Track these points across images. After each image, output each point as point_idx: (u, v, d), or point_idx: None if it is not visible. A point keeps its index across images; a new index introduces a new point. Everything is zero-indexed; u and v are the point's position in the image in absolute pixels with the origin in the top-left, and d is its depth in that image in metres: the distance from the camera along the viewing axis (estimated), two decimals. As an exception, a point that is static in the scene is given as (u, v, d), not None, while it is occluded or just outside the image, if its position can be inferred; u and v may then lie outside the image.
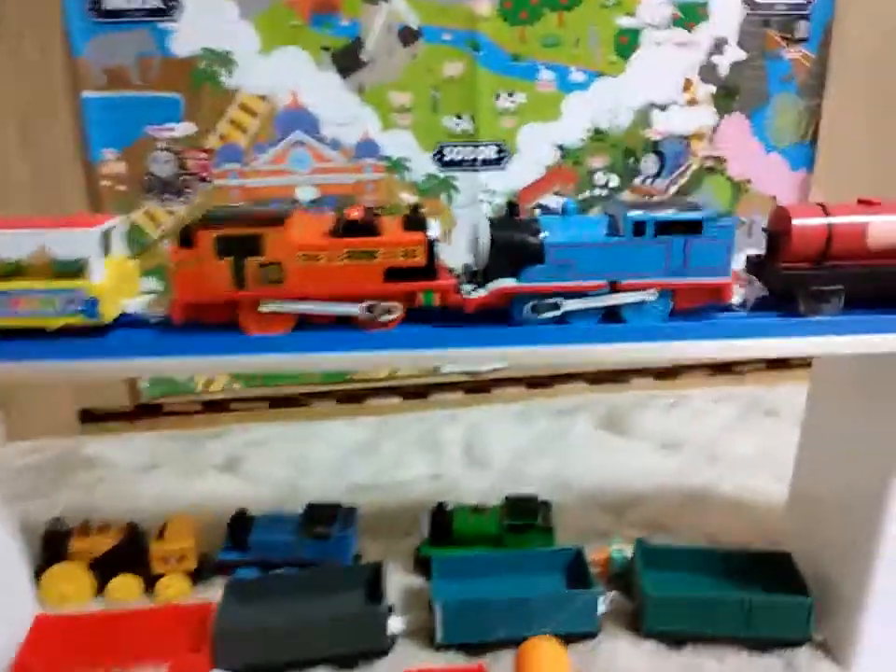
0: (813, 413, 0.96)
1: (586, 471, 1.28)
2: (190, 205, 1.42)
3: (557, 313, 0.76)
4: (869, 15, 1.54)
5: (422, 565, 1.01)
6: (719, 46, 1.50)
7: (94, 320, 0.76)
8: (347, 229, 0.75)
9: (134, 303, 0.81)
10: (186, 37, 1.33)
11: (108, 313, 0.76)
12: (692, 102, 1.53)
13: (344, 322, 0.78)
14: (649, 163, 1.56)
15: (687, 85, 1.51)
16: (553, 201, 1.55)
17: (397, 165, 1.47)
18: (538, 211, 1.52)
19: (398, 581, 1.01)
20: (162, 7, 1.32)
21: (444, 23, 1.39)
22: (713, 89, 1.52)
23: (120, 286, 0.80)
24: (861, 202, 0.81)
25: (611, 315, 0.78)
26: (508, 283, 0.76)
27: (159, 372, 0.83)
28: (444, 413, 1.47)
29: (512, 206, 0.80)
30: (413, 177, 1.48)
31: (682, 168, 1.57)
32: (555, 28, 1.43)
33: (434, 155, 1.47)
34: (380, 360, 0.82)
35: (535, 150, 1.50)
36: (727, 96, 1.53)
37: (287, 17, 1.35)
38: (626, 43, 1.46)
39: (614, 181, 1.55)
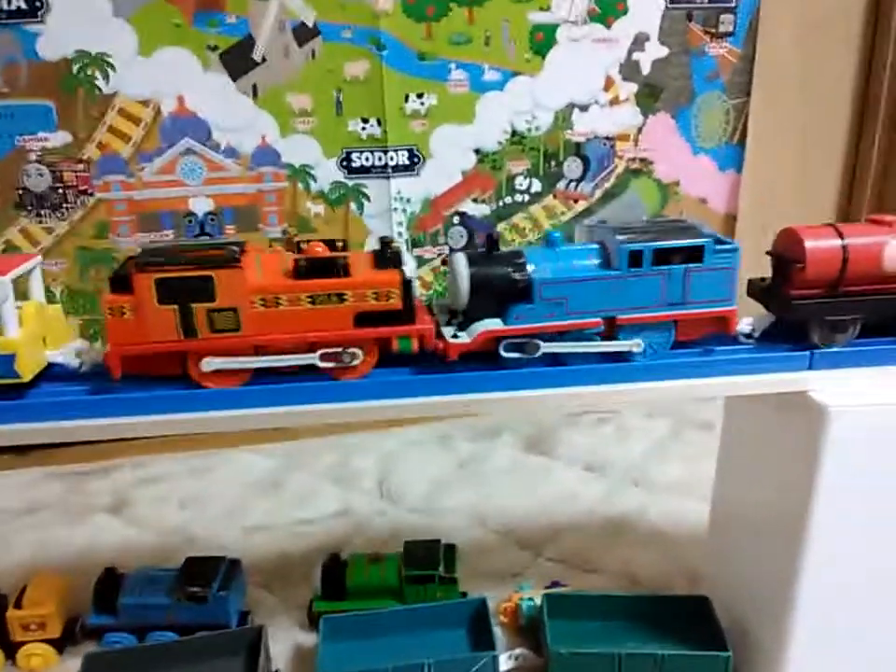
0: (727, 442, 0.89)
1: (505, 502, 1.19)
2: (71, 220, 1.30)
3: (536, 354, 0.69)
4: (795, 7, 1.47)
5: (316, 621, 0.91)
6: (640, 42, 1.42)
7: (11, 379, 0.65)
8: (311, 269, 0.66)
9: (62, 353, 0.71)
10: (55, 40, 1.21)
11: (28, 369, 0.66)
12: (614, 101, 1.45)
13: (309, 368, 0.69)
14: (572, 167, 1.48)
15: (608, 84, 1.43)
16: (471, 207, 1.46)
17: (300, 173, 1.36)
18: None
19: (290, 640, 0.92)
20: (26, 7, 1.19)
21: (343, 20, 1.29)
22: (635, 87, 1.44)
23: (42, 336, 0.70)
24: (871, 220, 0.74)
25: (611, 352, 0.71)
26: (493, 325, 0.68)
27: (93, 436, 0.71)
28: (359, 438, 1.37)
29: (492, 239, 0.71)
30: (319, 186, 1.37)
31: (607, 171, 1.49)
32: (465, 25, 1.34)
33: (340, 161, 1.36)
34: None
35: (450, 155, 1.41)
36: (651, 95, 1.46)
37: (168, 14, 1.23)
38: (542, 40, 1.38)
39: (536, 186, 1.47)
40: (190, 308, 0.65)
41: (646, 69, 1.43)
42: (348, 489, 1.25)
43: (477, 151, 1.42)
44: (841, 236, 0.71)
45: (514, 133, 1.42)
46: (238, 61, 1.27)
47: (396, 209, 1.41)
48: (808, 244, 0.70)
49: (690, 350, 0.73)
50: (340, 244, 0.71)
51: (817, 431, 0.68)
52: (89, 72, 1.23)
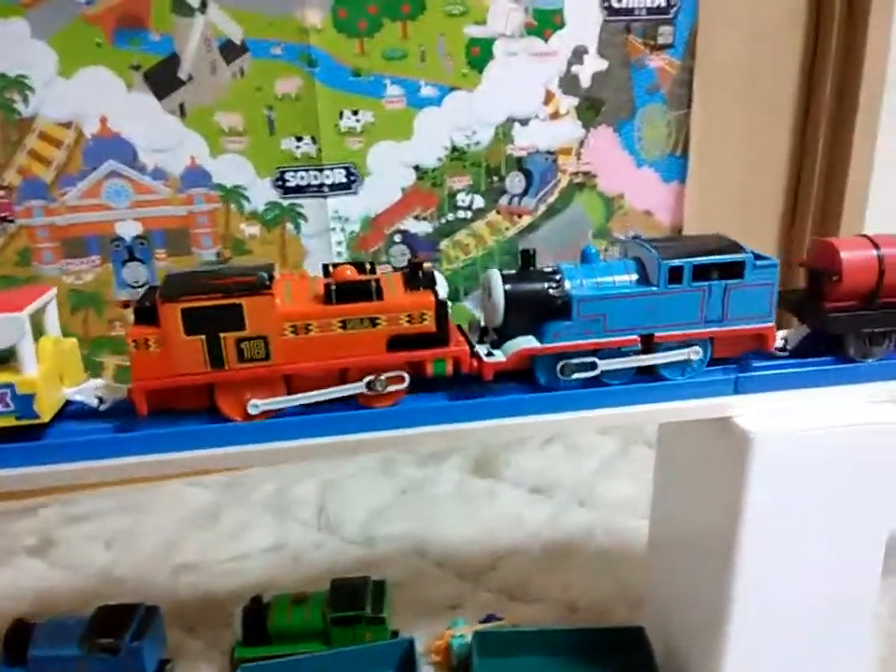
0: (661, 465, 0.86)
1: (447, 530, 1.16)
2: (-8, 249, 1.24)
3: (594, 373, 0.67)
4: (734, 18, 1.47)
5: (238, 668, 0.87)
6: (578, 55, 1.40)
7: (31, 419, 0.62)
8: (342, 293, 0.63)
9: (80, 391, 0.67)
10: (-32, 62, 1.16)
11: (47, 409, 0.63)
12: (554, 115, 1.43)
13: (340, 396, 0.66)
14: (514, 182, 1.45)
15: (548, 98, 1.41)
16: (413, 225, 1.43)
17: (232, 194, 1.32)
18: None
19: (214, 687, 0.87)
20: (-61, 30, 1.14)
21: (272, 36, 1.25)
22: (576, 101, 1.42)
23: (60, 373, 0.67)
24: None
25: (646, 369, 0.69)
26: (530, 344, 0.66)
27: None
28: (300, 466, 1.33)
29: (527, 256, 0.69)
30: (253, 207, 1.33)
31: (551, 185, 1.47)
32: (399, 40, 1.31)
33: (274, 181, 1.32)
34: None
35: (388, 172, 1.38)
36: (591, 108, 1.44)
37: (89, 34, 1.19)
38: (479, 54, 1.35)
39: (479, 202, 1.44)
40: (219, 338, 0.62)
41: (586, 82, 1.42)
42: (286, 521, 1.20)
43: (416, 168, 1.39)
44: (876, 247, 0.70)
45: (454, 148, 1.39)
46: (163, 80, 1.23)
47: (334, 229, 1.38)
48: (844, 255, 0.70)
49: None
50: (368, 266, 0.68)
51: (741, 457, 0.66)
52: (7, 95, 1.18)
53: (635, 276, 0.68)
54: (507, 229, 1.48)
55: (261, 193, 1.33)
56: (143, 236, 1.30)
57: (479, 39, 1.34)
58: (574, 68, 1.41)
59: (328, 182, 1.34)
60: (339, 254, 1.39)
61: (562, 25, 1.37)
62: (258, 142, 1.30)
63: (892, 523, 0.70)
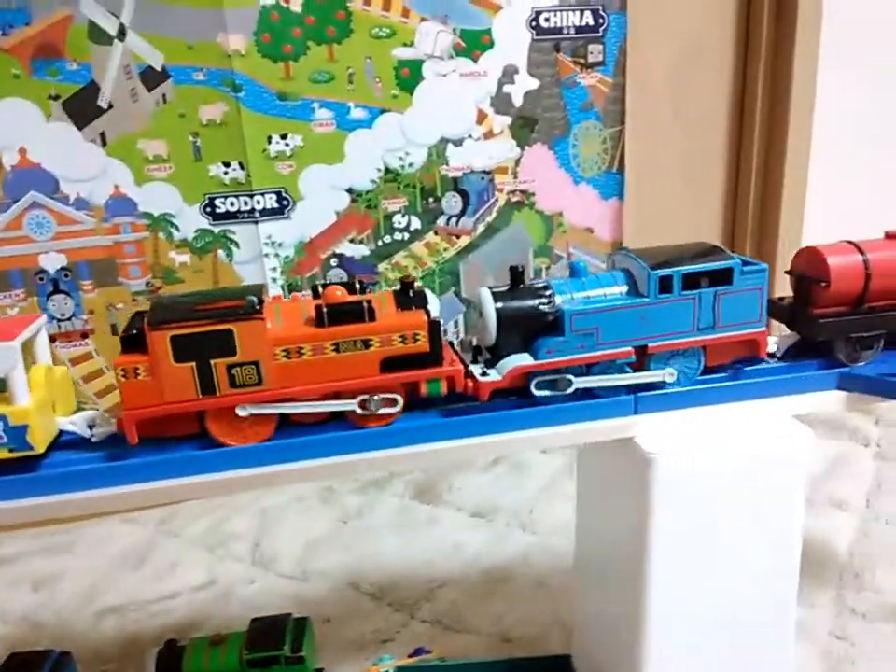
0: (580, 486, 0.84)
1: (385, 559, 1.13)
2: None
3: (567, 392, 0.67)
4: (663, 34, 1.48)
5: (157, 714, 0.83)
6: (509, 74, 1.40)
7: (24, 451, 0.61)
8: (334, 315, 0.63)
9: (72, 421, 0.66)
10: None
11: (41, 440, 0.62)
12: (488, 135, 1.42)
13: (332, 419, 0.66)
14: (451, 202, 1.44)
15: (481, 117, 1.41)
16: (349, 248, 1.41)
17: (160, 222, 1.29)
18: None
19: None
20: None
21: (194, 62, 1.24)
22: (509, 120, 1.42)
23: (52, 402, 0.65)
24: (889, 235, 0.75)
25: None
26: (525, 361, 0.66)
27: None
28: (237, 499, 1.29)
29: (516, 272, 0.69)
30: (183, 234, 1.31)
31: (488, 205, 1.47)
32: (325, 63, 1.30)
33: (203, 208, 1.30)
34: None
35: (321, 196, 1.36)
36: (525, 127, 1.44)
37: (6, 65, 1.16)
38: (408, 76, 1.35)
39: (416, 223, 1.43)
40: (209, 364, 0.61)
41: (518, 101, 1.42)
42: (219, 557, 1.17)
43: (350, 191, 1.37)
44: (861, 252, 0.71)
45: (388, 170, 1.38)
46: (83, 109, 1.21)
47: (267, 255, 1.36)
48: (831, 261, 0.71)
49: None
50: (358, 285, 0.68)
51: (643, 478, 0.64)
52: (-81, 128, 1.15)
53: (624, 288, 0.68)
54: (445, 249, 1.47)
55: (190, 220, 1.30)
56: (67, 268, 1.27)
57: (407, 61, 1.34)
58: (506, 87, 1.41)
59: (258, 207, 1.32)
60: (274, 280, 1.37)
61: (490, 45, 1.37)
62: (184, 169, 1.28)
63: (798, 539, 0.69)
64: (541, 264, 1.54)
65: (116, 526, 1.27)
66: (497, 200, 1.47)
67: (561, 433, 0.67)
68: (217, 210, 1.31)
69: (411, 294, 0.66)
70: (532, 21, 1.38)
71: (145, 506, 0.69)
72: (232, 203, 1.32)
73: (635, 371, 0.68)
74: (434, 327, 0.64)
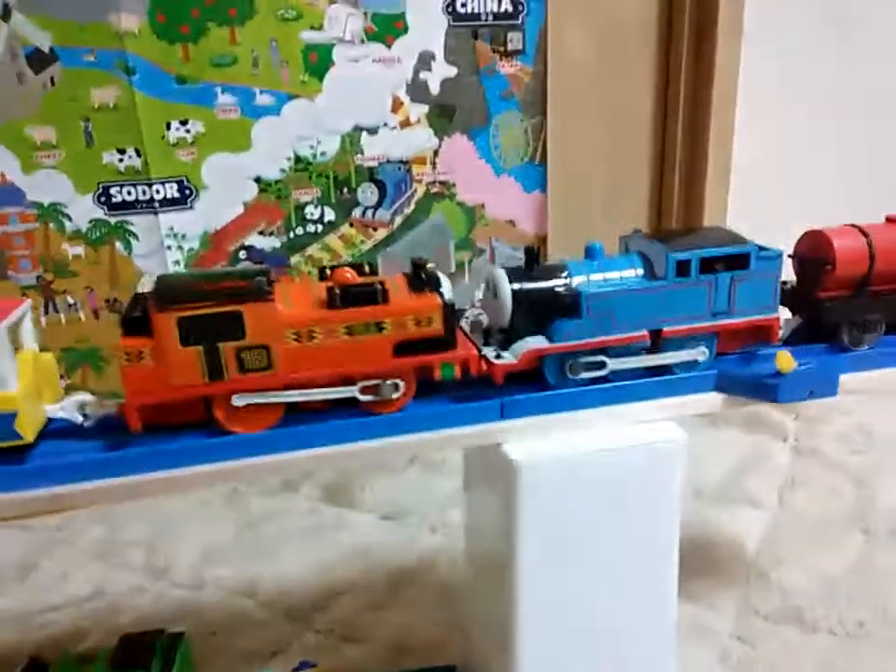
0: (465, 491, 0.81)
1: (286, 565, 1.08)
2: None
3: (602, 372, 0.66)
4: (584, 21, 1.45)
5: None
6: (425, 61, 1.35)
7: (12, 441, 0.58)
8: (347, 297, 0.60)
9: (62, 407, 0.63)
10: None
11: (30, 428, 0.59)
12: (405, 123, 1.38)
13: (341, 404, 0.63)
14: (367, 193, 1.39)
15: (396, 105, 1.36)
16: (259, 241, 1.35)
17: (50, 212, 1.22)
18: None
19: None
20: None
21: (84, 43, 1.16)
22: (426, 108, 1.38)
23: (40, 389, 0.62)
24: (889, 220, 0.75)
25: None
26: (540, 343, 0.64)
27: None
28: (135, 506, 1.23)
29: (531, 252, 0.67)
30: (76, 225, 1.24)
31: (406, 196, 1.42)
32: (227, 45, 1.23)
33: (97, 197, 1.23)
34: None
35: (227, 185, 1.30)
36: (443, 116, 1.39)
37: None
38: (317, 61, 1.29)
39: (329, 215, 1.38)
40: (217, 348, 0.58)
41: (435, 89, 1.37)
42: (112, 565, 1.11)
43: (258, 180, 1.31)
44: (865, 235, 0.72)
45: (298, 159, 1.32)
46: (-39, 91, 1.13)
47: (170, 247, 1.29)
48: (837, 243, 0.71)
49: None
50: (367, 267, 0.65)
51: (509, 485, 0.61)
52: None
53: (640, 271, 0.67)
54: (362, 242, 1.42)
55: (84, 211, 1.23)
56: (-51, 261, 1.19)
57: (316, 45, 1.28)
58: (422, 75, 1.36)
59: (158, 197, 1.26)
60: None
61: (405, 31, 1.32)
62: (74, 156, 1.20)
63: (675, 543, 0.66)
64: (463, 257, 1.50)
65: (8, 534, 1.19)
66: (415, 191, 1.42)
67: (428, 440, 0.63)
68: (113, 200, 1.24)
69: (423, 276, 0.63)
70: (448, 6, 1.34)
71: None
72: (129, 193, 1.25)
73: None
74: (448, 309, 0.62)
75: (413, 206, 1.43)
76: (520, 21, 1.39)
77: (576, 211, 1.52)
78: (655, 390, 0.67)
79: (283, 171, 1.32)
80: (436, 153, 1.41)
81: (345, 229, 1.40)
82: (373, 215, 1.41)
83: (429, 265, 0.64)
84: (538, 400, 0.64)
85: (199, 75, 1.23)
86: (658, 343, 0.67)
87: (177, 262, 1.30)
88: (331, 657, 0.89)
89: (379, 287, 0.61)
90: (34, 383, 0.61)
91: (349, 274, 0.62)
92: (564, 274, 0.66)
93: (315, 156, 1.33)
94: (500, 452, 0.61)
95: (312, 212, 1.36)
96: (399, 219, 1.43)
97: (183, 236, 1.29)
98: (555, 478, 0.60)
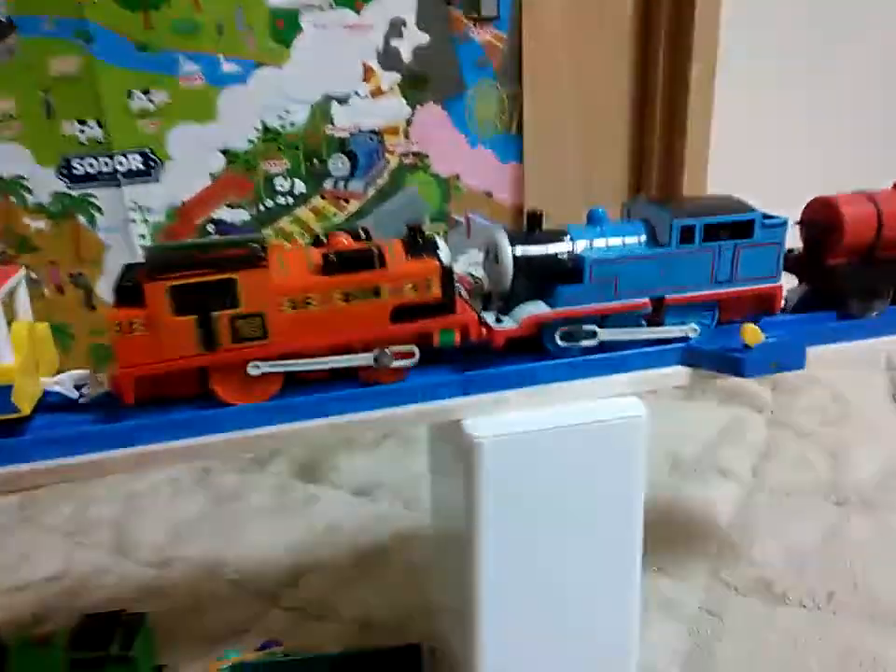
0: (431, 468, 0.79)
1: (256, 542, 1.06)
2: None
3: (593, 342, 0.65)
4: (562, -11, 1.41)
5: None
6: (396, 28, 1.32)
7: (9, 414, 0.56)
8: (342, 262, 0.59)
9: (58, 381, 0.61)
10: None
11: (27, 401, 0.57)
12: (376, 92, 1.34)
13: (341, 374, 0.62)
14: (338, 164, 1.36)
15: (367, 74, 1.33)
16: (228, 214, 1.32)
17: (11, 186, 1.19)
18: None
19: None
20: None
21: (42, 11, 1.12)
22: (398, 77, 1.34)
23: (36, 361, 0.61)
24: None
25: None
26: (541, 309, 0.63)
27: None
28: (104, 483, 1.21)
29: (534, 217, 0.66)
30: (37, 199, 1.21)
31: (379, 167, 1.39)
32: (190, 11, 1.20)
33: (59, 170, 1.20)
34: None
35: (193, 157, 1.27)
36: (416, 85, 1.36)
37: None
38: (284, 27, 1.25)
39: (300, 187, 1.35)
40: (211, 317, 0.57)
41: (407, 57, 1.34)
42: (77, 544, 1.09)
43: (225, 152, 1.28)
44: (874, 202, 0.71)
45: (267, 129, 1.29)
46: (-89, 58, 1.09)
47: (134, 220, 1.26)
48: (845, 209, 0.70)
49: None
50: (363, 233, 0.63)
51: (469, 462, 0.59)
52: None
53: (644, 237, 0.66)
54: (334, 214, 1.39)
55: (45, 183, 1.20)
56: None
57: (282, 10, 1.24)
58: (393, 42, 1.32)
59: (121, 169, 1.23)
60: (143, 248, 1.28)
61: (375, -5, 1.29)
62: (34, 127, 1.17)
63: (639, 516, 0.65)
64: (439, 229, 1.47)
65: (-29, 514, 1.18)
66: (388, 162, 1.39)
67: (390, 416, 0.61)
68: (75, 172, 1.21)
69: (420, 240, 0.62)
70: (419, -31, 1.30)
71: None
72: (92, 165, 1.21)
73: (649, 324, 0.66)
74: (447, 273, 0.60)
75: (386, 178, 1.40)
76: (494, -14, 1.36)
77: (553, 181, 1.49)
78: (620, 365, 0.65)
79: (251, 142, 1.29)
80: (409, 123, 1.38)
81: (317, 201, 1.37)
82: (345, 186, 1.38)
83: (426, 229, 0.63)
84: (499, 376, 0.63)
85: (161, 42, 1.19)
86: (660, 311, 0.66)
87: (143, 236, 1.27)
88: (298, 635, 0.88)
89: (376, 251, 0.59)
90: (30, 355, 0.59)
91: (345, 240, 0.61)
92: (566, 239, 0.65)
93: (284, 126, 1.30)
94: (461, 428, 0.60)
95: (282, 184, 1.33)
96: (371, 191, 1.40)
97: (148, 209, 1.26)
98: (515, 455, 0.59)
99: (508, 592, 0.64)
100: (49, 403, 0.61)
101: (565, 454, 0.61)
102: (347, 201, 1.39)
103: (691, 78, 1.46)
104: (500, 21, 1.38)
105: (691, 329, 0.66)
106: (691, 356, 0.65)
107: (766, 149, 1.55)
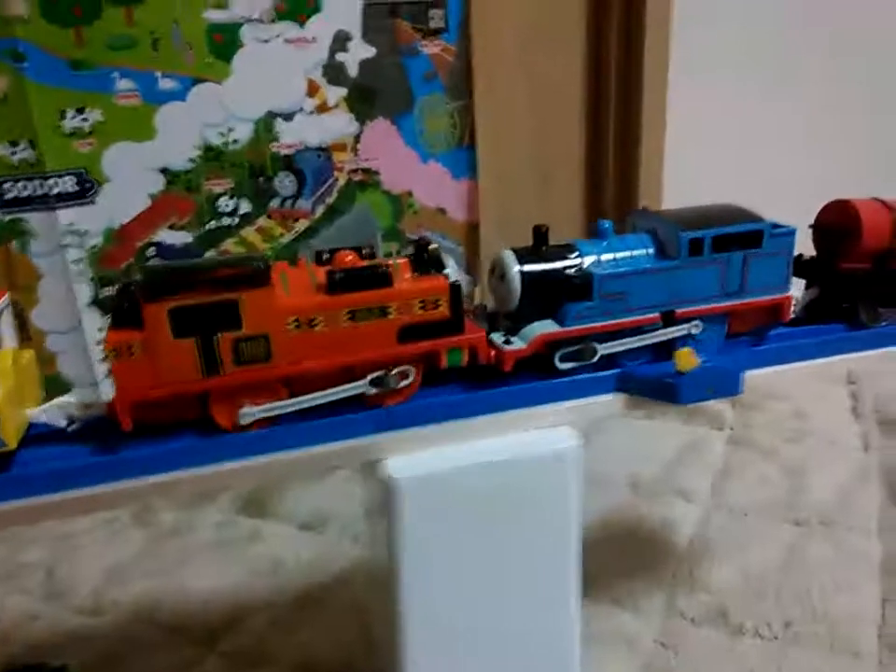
0: (366, 501, 0.75)
1: (192, 585, 1.01)
2: None
3: (594, 360, 0.63)
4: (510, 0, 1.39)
5: None
6: (341, 41, 1.28)
7: None
8: (349, 281, 0.57)
9: (44, 410, 0.58)
10: None
11: (13, 434, 0.54)
12: (322, 108, 1.30)
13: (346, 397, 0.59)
14: (285, 182, 1.32)
15: (312, 89, 1.29)
16: (169, 236, 1.27)
17: (-64, 211, 1.14)
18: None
19: None
20: None
21: (-36, 27, 1.08)
22: (345, 91, 1.31)
23: (22, 391, 0.57)
24: None
25: (663, 349, 0.65)
26: (550, 328, 0.62)
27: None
28: (36, 526, 1.15)
29: (540, 233, 0.64)
30: (-34, 224, 1.15)
31: (327, 185, 1.35)
32: (124, 27, 1.15)
33: (-12, 193, 1.15)
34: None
35: (130, 177, 1.22)
36: (363, 100, 1.32)
37: None
38: (224, 41, 1.21)
39: (245, 206, 1.30)
40: (213, 339, 0.55)
41: (353, 71, 1.30)
42: (5, 590, 1.03)
43: (165, 171, 1.24)
44: (889, 209, 0.71)
45: (208, 147, 1.25)
46: None
47: (70, 245, 1.21)
48: (863, 212, 0.70)
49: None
50: (367, 251, 0.61)
51: (389, 501, 0.56)
52: None
53: (651, 250, 0.65)
54: (282, 234, 1.35)
55: (-27, 208, 1.15)
56: None
57: (222, 25, 1.21)
58: (338, 56, 1.29)
59: (55, 192, 1.17)
60: (80, 273, 1.22)
61: (317, 9, 1.25)
62: (-40, 149, 1.12)
63: (575, 550, 0.61)
64: (392, 248, 1.44)
65: None
66: (336, 179, 1.35)
67: (298, 458, 0.57)
68: (6, 196, 1.16)
69: (426, 257, 0.60)
70: (363, -18, 1.27)
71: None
72: (24, 187, 1.16)
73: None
74: (455, 291, 0.59)
75: (335, 196, 1.36)
76: (441, -2, 1.33)
77: (508, 196, 1.46)
78: (552, 394, 0.61)
79: (192, 160, 1.25)
80: (357, 139, 1.34)
81: (263, 221, 1.33)
82: (293, 205, 1.34)
83: (433, 245, 0.61)
84: (422, 409, 0.59)
85: (94, 59, 1.15)
86: (670, 325, 0.65)
87: (79, 261, 1.22)
88: (233, 683, 0.83)
89: (383, 269, 0.57)
90: (16, 384, 0.56)
91: (350, 258, 0.59)
92: (574, 255, 0.63)
93: (226, 144, 1.26)
94: (380, 467, 0.56)
95: (226, 203, 1.29)
96: (320, 210, 1.36)
97: (84, 233, 1.21)
98: (437, 493, 0.56)
99: (436, 631, 0.60)
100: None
101: (492, 489, 0.57)
102: (296, 220, 1.35)
103: (644, 82, 1.44)
104: (449, 34, 1.35)
105: (693, 326, 0.65)
106: (626, 382, 0.62)
107: (722, 150, 1.53)
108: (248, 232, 1.32)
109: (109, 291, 1.25)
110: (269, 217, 1.33)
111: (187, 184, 1.25)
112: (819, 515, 1.06)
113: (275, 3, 1.22)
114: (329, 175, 1.35)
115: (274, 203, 1.32)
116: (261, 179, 1.30)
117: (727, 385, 0.61)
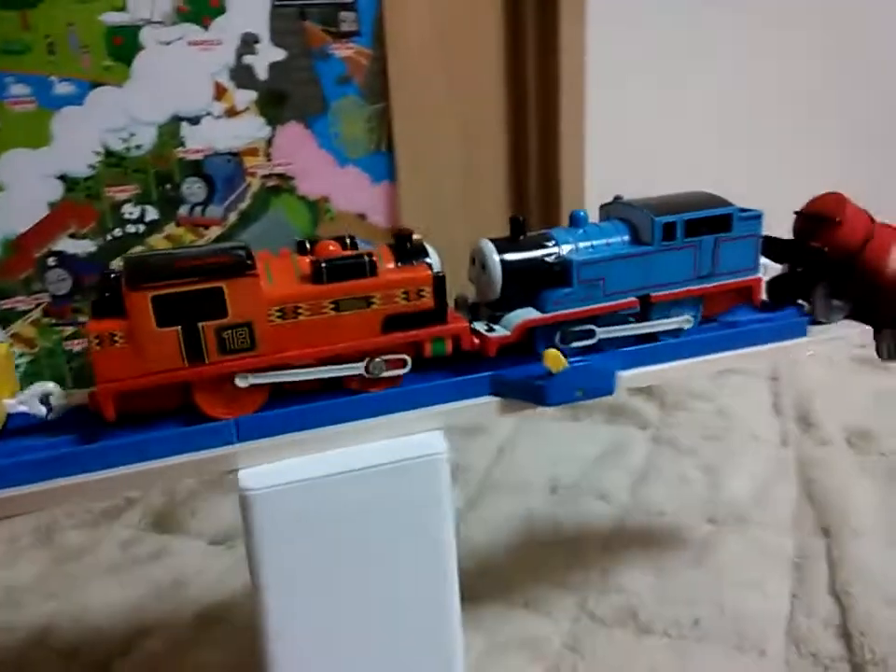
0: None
1: (90, 606, 0.96)
2: None
3: (592, 341, 0.65)
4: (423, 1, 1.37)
5: None
6: (248, 44, 1.25)
7: None
8: (334, 270, 0.57)
9: (21, 400, 0.58)
10: None
11: None
12: (231, 112, 1.27)
13: (330, 384, 0.60)
14: (193, 189, 1.29)
15: (220, 92, 1.26)
16: (70, 245, 1.23)
17: None
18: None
19: None
20: None
21: None
22: (254, 95, 1.28)
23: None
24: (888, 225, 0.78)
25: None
26: (531, 315, 0.63)
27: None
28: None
29: (517, 223, 0.66)
30: None
31: (239, 190, 1.32)
32: (18, 31, 1.11)
33: None
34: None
35: (26, 185, 1.17)
36: (274, 103, 1.29)
37: None
38: (123, 44, 1.17)
39: (152, 214, 1.26)
40: (197, 328, 0.55)
41: (262, 74, 1.27)
42: None
43: (63, 178, 1.19)
44: (870, 218, 0.76)
45: (109, 153, 1.21)
46: None
47: (-37, 256, 1.16)
48: (849, 204, 0.74)
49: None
50: (349, 240, 0.62)
51: (245, 514, 0.53)
52: None
53: (626, 237, 0.67)
54: (192, 242, 1.31)
55: None
56: None
57: (120, 27, 1.17)
58: (246, 58, 1.26)
59: (-57, 200, 1.12)
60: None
61: (222, 10, 1.22)
62: None
63: (450, 557, 0.59)
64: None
65: None
66: (249, 185, 1.32)
67: (154, 469, 0.54)
68: None
69: (408, 247, 0.61)
70: (270, -17, 1.24)
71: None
72: None
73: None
74: (439, 281, 0.59)
75: (248, 202, 1.33)
76: (352, 0, 1.31)
77: (429, 200, 1.45)
78: (424, 398, 0.59)
79: (92, 167, 1.20)
80: (269, 143, 1.31)
81: (172, 228, 1.28)
82: (203, 212, 1.30)
83: (415, 235, 0.61)
84: (280, 418, 0.57)
85: (-17, 62, 1.10)
86: (646, 310, 0.66)
87: (-26, 272, 1.17)
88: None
89: (367, 259, 0.57)
90: None
91: (332, 247, 0.59)
92: (551, 244, 0.65)
93: (128, 149, 1.22)
94: (237, 479, 0.53)
95: (131, 211, 1.25)
96: (233, 216, 1.32)
97: (-21, 243, 1.16)
98: (295, 504, 0.53)
99: (304, 651, 0.57)
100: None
101: (355, 498, 0.55)
102: (207, 227, 1.31)
103: (561, 79, 1.44)
104: (362, 36, 1.33)
105: (685, 321, 0.67)
106: (496, 385, 0.60)
107: (644, 150, 1.54)
108: (157, 240, 1.28)
109: (6, 304, 1.19)
110: (178, 224, 1.29)
111: (87, 191, 1.21)
112: (734, 513, 1.06)
113: (176, 4, 1.19)
114: (241, 180, 1.31)
115: (183, 210, 1.28)
116: (168, 186, 1.26)
117: (599, 386, 0.60)
